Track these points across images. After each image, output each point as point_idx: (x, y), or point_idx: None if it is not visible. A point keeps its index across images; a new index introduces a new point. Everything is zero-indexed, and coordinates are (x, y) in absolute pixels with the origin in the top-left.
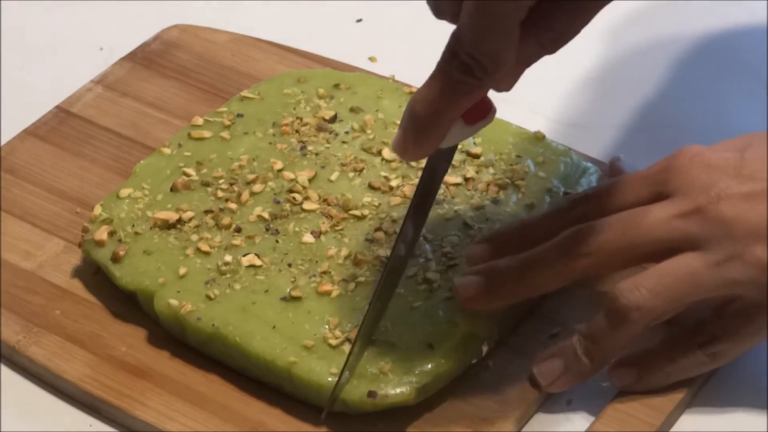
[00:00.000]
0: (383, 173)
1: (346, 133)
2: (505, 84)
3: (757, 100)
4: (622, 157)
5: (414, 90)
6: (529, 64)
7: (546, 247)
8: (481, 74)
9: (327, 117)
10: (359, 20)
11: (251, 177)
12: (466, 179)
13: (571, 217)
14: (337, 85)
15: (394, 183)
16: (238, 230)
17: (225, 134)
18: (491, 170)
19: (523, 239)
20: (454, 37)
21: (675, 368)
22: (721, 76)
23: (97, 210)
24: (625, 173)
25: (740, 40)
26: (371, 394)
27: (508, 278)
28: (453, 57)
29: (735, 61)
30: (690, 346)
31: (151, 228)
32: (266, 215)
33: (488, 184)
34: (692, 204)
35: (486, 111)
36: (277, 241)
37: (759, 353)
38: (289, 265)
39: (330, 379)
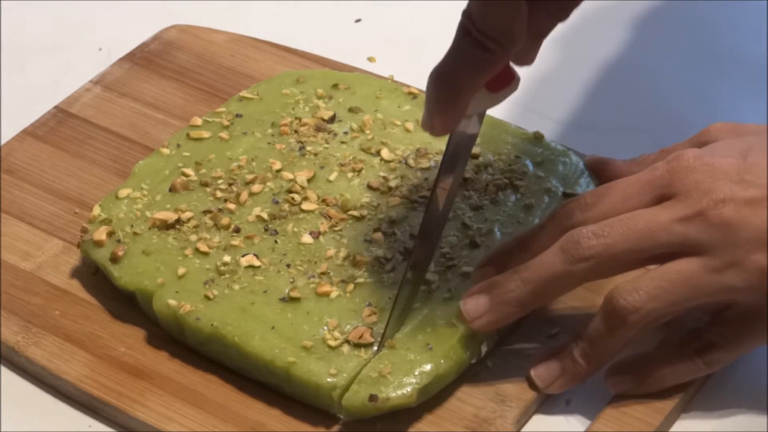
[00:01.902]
0: (382, 173)
1: (345, 133)
2: (525, 58)
3: (757, 100)
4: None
5: (413, 90)
6: (545, 35)
7: (547, 254)
8: (495, 48)
9: (326, 117)
10: (358, 20)
11: (250, 177)
12: (465, 179)
13: (573, 223)
14: (336, 86)
15: (393, 183)
16: (237, 230)
17: (224, 134)
18: (490, 170)
19: (525, 251)
20: (466, 15)
21: (671, 374)
22: (721, 76)
23: (96, 210)
24: (614, 165)
25: (740, 39)
26: (372, 397)
27: (512, 290)
28: (466, 34)
29: (735, 61)
30: (687, 352)
31: (149, 228)
32: (265, 215)
33: (487, 185)
34: (695, 208)
35: (509, 79)
36: (276, 242)
37: (758, 354)
38: (288, 266)
39: (329, 380)
